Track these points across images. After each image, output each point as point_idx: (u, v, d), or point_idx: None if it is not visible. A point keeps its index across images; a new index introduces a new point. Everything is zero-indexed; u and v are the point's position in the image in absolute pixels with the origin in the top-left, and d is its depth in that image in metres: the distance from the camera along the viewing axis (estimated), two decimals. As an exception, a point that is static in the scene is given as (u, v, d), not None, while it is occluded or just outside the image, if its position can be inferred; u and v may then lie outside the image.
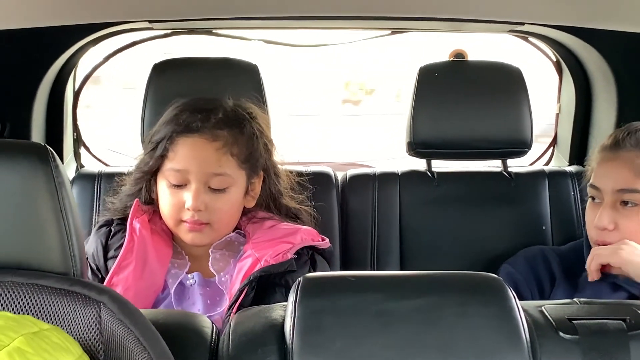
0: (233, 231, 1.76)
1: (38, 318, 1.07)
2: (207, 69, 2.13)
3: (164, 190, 1.70)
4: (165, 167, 1.69)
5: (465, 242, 2.17)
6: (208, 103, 1.74)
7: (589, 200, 1.80)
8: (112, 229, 1.75)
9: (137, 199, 1.74)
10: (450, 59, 2.25)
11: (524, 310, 1.18)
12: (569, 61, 2.42)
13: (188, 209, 1.66)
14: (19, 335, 0.93)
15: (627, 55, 2.26)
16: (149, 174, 1.73)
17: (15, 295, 1.08)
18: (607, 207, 1.73)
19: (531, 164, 2.57)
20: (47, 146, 1.12)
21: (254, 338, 1.15)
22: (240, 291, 1.58)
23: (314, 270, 1.67)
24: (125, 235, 1.69)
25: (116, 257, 1.67)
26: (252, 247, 1.68)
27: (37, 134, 2.22)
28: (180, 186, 1.68)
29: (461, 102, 2.18)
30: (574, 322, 1.18)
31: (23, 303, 1.07)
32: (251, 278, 1.59)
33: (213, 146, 1.67)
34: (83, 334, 1.06)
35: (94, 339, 1.06)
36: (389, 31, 2.45)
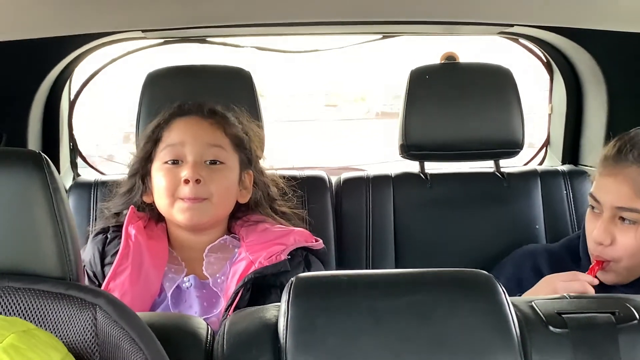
0: (228, 234, 1.78)
1: (35, 322, 1.09)
2: (200, 77, 2.15)
3: (159, 174, 1.72)
4: (159, 149, 1.73)
5: (459, 242, 2.18)
6: (199, 102, 1.81)
7: (589, 208, 1.78)
8: (108, 236, 1.77)
9: (132, 205, 1.76)
10: (441, 62, 2.27)
11: (514, 306, 1.20)
12: (559, 62, 2.44)
13: (186, 181, 1.67)
14: (11, 332, 0.96)
15: (616, 55, 2.27)
16: (144, 161, 1.76)
17: (13, 300, 1.09)
18: (605, 222, 1.72)
19: (525, 164, 2.59)
20: (42, 153, 1.13)
21: (248, 338, 1.17)
22: (236, 293, 1.60)
23: (309, 271, 1.69)
24: (121, 242, 1.71)
25: (113, 263, 1.69)
26: (246, 249, 1.70)
27: (34, 144, 2.24)
28: (176, 163, 1.70)
29: (453, 104, 2.19)
30: (563, 316, 1.20)
31: (20, 307, 1.09)
32: (246, 280, 1.61)
33: (208, 121, 1.74)
34: (79, 336, 1.08)
35: (90, 342, 1.08)
36: (381, 35, 2.48)
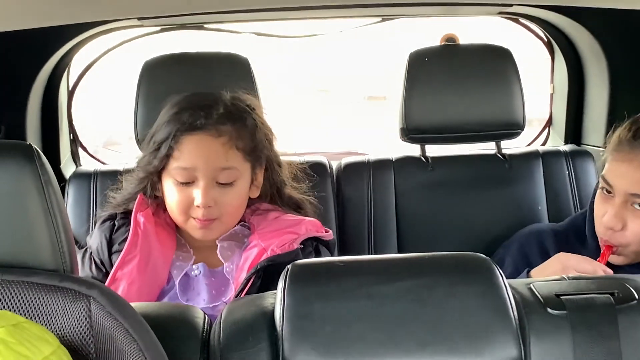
0: (237, 224, 1.77)
1: (29, 315, 1.08)
2: (198, 64, 2.13)
3: (170, 189, 1.70)
4: (171, 166, 1.69)
5: (462, 225, 2.17)
6: (207, 99, 1.74)
7: (600, 190, 1.76)
8: (116, 223, 1.76)
9: (140, 193, 1.75)
10: (441, 44, 2.25)
11: (512, 288, 1.19)
12: (559, 41, 2.43)
13: (198, 206, 1.67)
14: (0, 327, 0.95)
15: (617, 32, 2.26)
16: (154, 174, 1.73)
17: (6, 293, 1.09)
18: (616, 207, 1.70)
19: (528, 145, 2.58)
20: (32, 145, 1.13)
21: (245, 326, 1.17)
22: (247, 280, 1.59)
23: None
24: (129, 229, 1.70)
25: (120, 251, 1.68)
26: (258, 237, 1.69)
27: (33, 135, 2.23)
28: (187, 183, 1.68)
29: (453, 85, 2.18)
30: (562, 297, 1.19)
31: (14, 300, 1.08)
32: (258, 267, 1.60)
33: (219, 141, 1.67)
34: (74, 328, 1.08)
35: (85, 333, 1.07)
36: (379, 18, 2.46)
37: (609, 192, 1.73)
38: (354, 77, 6.38)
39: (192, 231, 1.71)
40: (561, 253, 1.73)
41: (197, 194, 1.66)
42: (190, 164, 1.67)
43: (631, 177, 1.69)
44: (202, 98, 1.74)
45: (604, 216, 1.72)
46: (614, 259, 1.74)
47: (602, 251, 1.73)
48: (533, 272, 1.75)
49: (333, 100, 6.37)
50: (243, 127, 1.71)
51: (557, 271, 1.67)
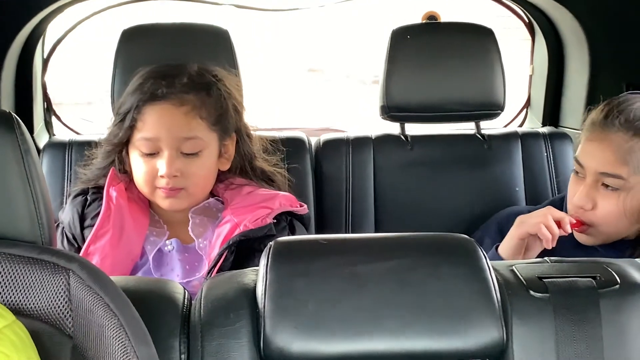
0: (211, 197, 1.76)
1: (6, 287, 1.06)
2: (177, 35, 2.10)
3: (136, 160, 1.69)
4: (135, 138, 1.68)
5: (439, 204, 2.17)
6: (172, 69, 1.73)
7: (573, 172, 1.77)
8: (88, 198, 1.74)
9: (112, 167, 1.73)
10: (423, 21, 2.24)
11: (495, 270, 1.19)
12: (541, 22, 2.42)
13: (162, 177, 1.65)
14: None
15: (600, 16, 2.25)
16: (119, 146, 1.72)
17: (-17, 265, 1.07)
18: (587, 187, 1.70)
19: (505, 126, 2.58)
20: (12, 113, 1.10)
21: (226, 303, 1.15)
22: (220, 255, 1.58)
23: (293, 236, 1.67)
24: (101, 204, 1.69)
25: (93, 226, 1.66)
26: (231, 212, 1.68)
27: (6, 103, 2.19)
28: (152, 154, 1.66)
29: (434, 64, 2.17)
30: (544, 280, 1.19)
31: (-9, 272, 1.06)
32: (231, 242, 1.59)
33: (181, 111, 1.66)
34: (52, 301, 1.06)
35: (63, 307, 1.05)
36: (361, -6, 2.44)
37: (580, 174, 1.74)
38: (297, 50, 6.50)
39: (160, 201, 1.69)
40: (519, 216, 1.74)
41: (162, 164, 1.65)
42: (153, 134, 1.65)
43: (601, 156, 1.69)
44: (168, 68, 1.73)
45: (574, 196, 1.74)
46: (584, 239, 1.75)
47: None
48: (500, 246, 1.76)
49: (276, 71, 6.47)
50: (207, 96, 1.70)
51: (514, 235, 1.70)
